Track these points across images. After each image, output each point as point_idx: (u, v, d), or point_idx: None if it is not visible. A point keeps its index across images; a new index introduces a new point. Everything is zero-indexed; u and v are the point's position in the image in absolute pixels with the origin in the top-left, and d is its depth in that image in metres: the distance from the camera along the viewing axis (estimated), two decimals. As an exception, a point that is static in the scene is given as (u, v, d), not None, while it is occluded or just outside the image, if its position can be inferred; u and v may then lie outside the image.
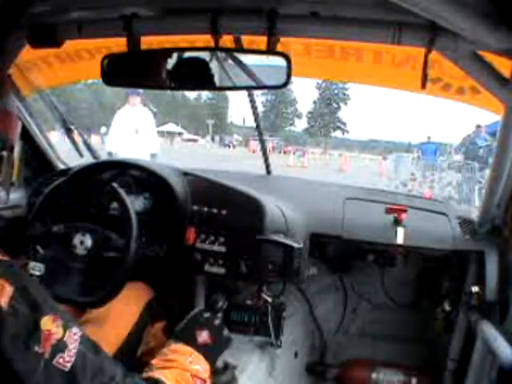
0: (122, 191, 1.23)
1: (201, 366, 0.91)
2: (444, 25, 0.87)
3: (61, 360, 0.61)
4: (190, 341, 0.96)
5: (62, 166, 1.81)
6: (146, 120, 5.22)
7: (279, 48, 1.00)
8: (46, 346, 0.60)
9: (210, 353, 0.97)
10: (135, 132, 5.07)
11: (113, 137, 5.17)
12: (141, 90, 4.94)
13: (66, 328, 0.63)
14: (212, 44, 1.05)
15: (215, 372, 1.25)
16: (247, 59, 1.02)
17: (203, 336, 0.98)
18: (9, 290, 0.59)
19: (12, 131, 0.81)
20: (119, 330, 1.19)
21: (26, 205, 1.56)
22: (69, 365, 0.61)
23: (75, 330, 0.65)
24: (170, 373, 0.84)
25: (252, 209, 1.29)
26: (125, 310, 1.22)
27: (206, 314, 1.06)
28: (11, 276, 0.61)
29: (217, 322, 1.05)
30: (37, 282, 0.67)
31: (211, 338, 0.99)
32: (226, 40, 1.12)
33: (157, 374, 0.82)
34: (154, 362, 0.88)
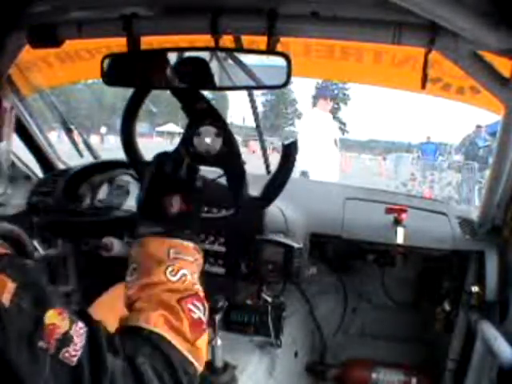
0: None
1: (187, 268, 0.73)
2: (444, 25, 0.87)
3: (66, 354, 0.57)
4: (159, 221, 0.75)
5: (62, 166, 1.81)
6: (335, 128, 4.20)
7: (279, 48, 1.00)
8: (51, 341, 0.56)
9: (189, 224, 0.77)
10: (334, 144, 4.12)
11: (305, 151, 3.74)
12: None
13: (72, 322, 0.59)
14: (212, 44, 1.05)
15: (215, 372, 1.25)
16: (247, 59, 1.02)
17: (175, 202, 0.75)
18: (11, 286, 0.55)
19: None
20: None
21: (25, 204, 1.56)
22: (75, 359, 0.57)
23: (81, 324, 0.61)
24: (150, 315, 0.69)
25: (252, 209, 1.29)
26: (124, 311, 1.21)
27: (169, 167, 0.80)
28: (13, 271, 0.57)
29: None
30: (41, 275, 0.62)
31: (186, 204, 0.77)
32: (226, 40, 1.12)
33: (141, 323, 0.69)
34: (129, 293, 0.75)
